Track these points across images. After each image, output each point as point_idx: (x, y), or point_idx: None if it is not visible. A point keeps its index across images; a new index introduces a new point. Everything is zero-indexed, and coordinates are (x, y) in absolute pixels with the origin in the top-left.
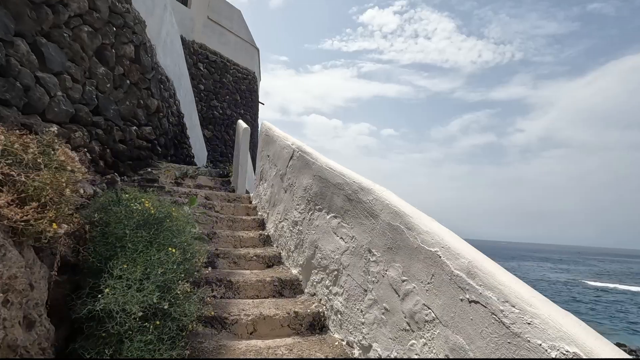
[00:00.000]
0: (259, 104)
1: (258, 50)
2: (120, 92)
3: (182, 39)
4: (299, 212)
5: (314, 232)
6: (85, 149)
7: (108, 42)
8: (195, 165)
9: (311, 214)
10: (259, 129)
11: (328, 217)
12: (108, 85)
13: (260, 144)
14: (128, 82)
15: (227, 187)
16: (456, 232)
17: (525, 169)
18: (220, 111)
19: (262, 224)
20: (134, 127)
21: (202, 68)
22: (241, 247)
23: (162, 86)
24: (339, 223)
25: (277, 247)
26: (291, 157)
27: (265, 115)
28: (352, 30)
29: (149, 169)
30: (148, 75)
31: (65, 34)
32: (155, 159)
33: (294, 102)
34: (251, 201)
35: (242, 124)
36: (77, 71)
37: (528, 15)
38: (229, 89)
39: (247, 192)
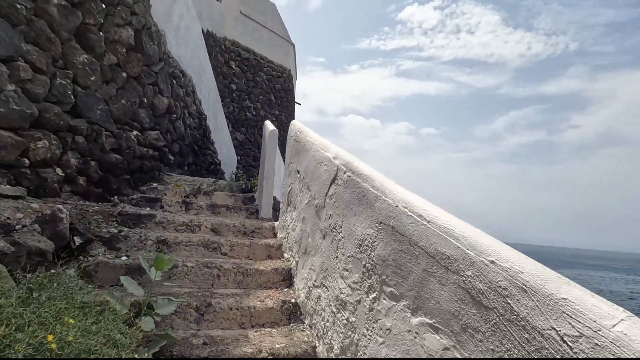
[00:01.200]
0: (295, 104)
1: (294, 46)
2: (112, 87)
3: (213, 36)
4: (349, 286)
5: (380, 339)
6: (55, 165)
7: (93, 22)
8: (222, 173)
9: (374, 298)
10: (289, 130)
11: (415, 321)
12: (92, 77)
13: (288, 153)
14: (124, 75)
15: (250, 205)
16: (502, 237)
17: (580, 169)
18: (254, 112)
19: (288, 277)
20: (135, 132)
21: (233, 66)
22: (252, 328)
23: (175, 82)
24: (447, 349)
25: (310, 328)
26: (333, 180)
27: (302, 117)
28: (391, 28)
29: (155, 184)
30: (154, 67)
31: (19, 6)
32: (165, 170)
33: (331, 103)
34: (276, 233)
35: (268, 125)
36: (40, 57)
37: (583, 4)
38: (262, 89)
39: (275, 208)
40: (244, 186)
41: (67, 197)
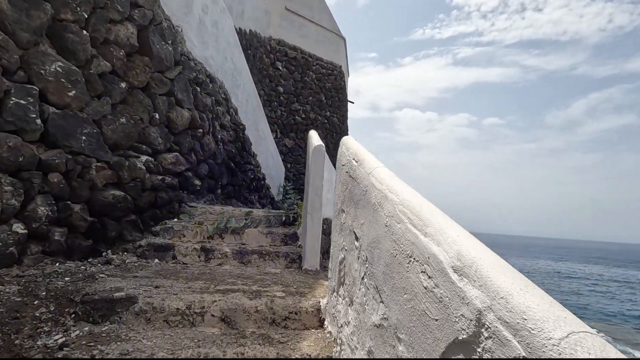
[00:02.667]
0: (348, 103)
1: (344, 40)
2: (105, 103)
3: (257, 36)
4: None
5: None
6: (13, 219)
7: (72, 18)
8: (267, 188)
9: None
10: (338, 153)
11: None
12: (72, 92)
13: (338, 191)
14: (124, 85)
15: (292, 245)
16: (587, 236)
17: None
18: (303, 115)
19: None
20: (144, 158)
21: (280, 67)
22: None
23: (199, 89)
24: None
25: None
26: (462, 339)
27: (355, 115)
28: (446, 15)
29: (171, 223)
30: (169, 73)
31: None
32: (190, 199)
33: (385, 97)
34: (322, 319)
35: (313, 139)
36: None
37: None
38: (311, 89)
39: (325, 233)
40: (284, 218)
41: (33, 261)
